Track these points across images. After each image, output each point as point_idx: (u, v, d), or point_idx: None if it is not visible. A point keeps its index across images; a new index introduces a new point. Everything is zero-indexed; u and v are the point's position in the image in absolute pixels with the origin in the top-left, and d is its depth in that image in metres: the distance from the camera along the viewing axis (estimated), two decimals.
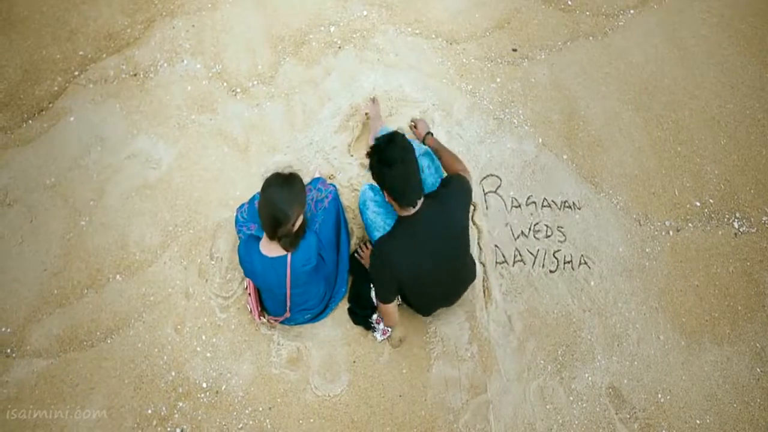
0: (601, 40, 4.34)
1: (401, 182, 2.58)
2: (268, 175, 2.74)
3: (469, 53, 4.22)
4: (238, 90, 4.03)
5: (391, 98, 3.98)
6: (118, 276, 3.52)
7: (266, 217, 2.66)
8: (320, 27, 4.24)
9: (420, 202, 2.68)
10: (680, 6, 4.51)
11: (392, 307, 2.88)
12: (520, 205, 3.77)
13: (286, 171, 2.81)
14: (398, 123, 3.90)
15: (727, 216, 3.85)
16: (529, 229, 3.72)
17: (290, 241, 2.77)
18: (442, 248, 2.77)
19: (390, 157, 2.55)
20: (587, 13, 4.43)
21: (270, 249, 2.82)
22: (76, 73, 4.07)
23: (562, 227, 3.74)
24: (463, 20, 4.33)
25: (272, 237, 2.75)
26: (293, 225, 2.71)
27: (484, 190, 3.79)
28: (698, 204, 3.87)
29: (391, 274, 2.73)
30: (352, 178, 3.75)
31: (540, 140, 3.97)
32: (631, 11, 4.47)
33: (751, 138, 4.08)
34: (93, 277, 3.52)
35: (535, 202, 3.79)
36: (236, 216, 3.39)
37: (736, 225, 3.83)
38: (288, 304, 3.04)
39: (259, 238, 2.88)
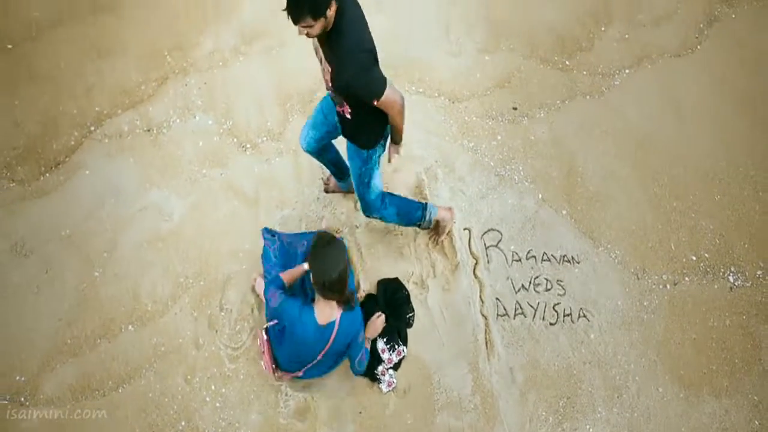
0: (598, 98, 4.53)
1: None
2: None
3: (470, 111, 4.39)
4: (248, 145, 4.19)
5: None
6: (130, 326, 3.62)
7: (335, 279, 2.68)
8: None
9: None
10: (673, 66, 4.71)
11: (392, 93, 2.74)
12: (520, 259, 3.89)
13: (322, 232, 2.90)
14: (404, 179, 4.05)
15: (722, 270, 3.96)
16: (530, 282, 3.83)
17: (348, 301, 2.86)
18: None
19: None
20: (584, 72, 4.63)
21: (322, 315, 2.87)
22: (92, 128, 4.24)
23: (561, 281, 3.85)
24: (464, 79, 4.52)
25: (336, 298, 2.81)
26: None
27: (485, 245, 3.92)
28: (694, 258, 3.99)
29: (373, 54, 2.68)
30: (357, 232, 3.88)
31: (540, 196, 4.11)
32: (627, 71, 4.66)
33: (744, 194, 4.22)
34: (106, 327, 3.61)
35: (535, 256, 3.91)
36: (266, 249, 3.48)
37: (731, 279, 3.94)
38: (309, 365, 3.11)
39: (302, 301, 2.93)
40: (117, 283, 3.74)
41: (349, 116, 2.92)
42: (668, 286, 3.89)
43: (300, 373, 3.19)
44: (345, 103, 2.85)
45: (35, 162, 4.12)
